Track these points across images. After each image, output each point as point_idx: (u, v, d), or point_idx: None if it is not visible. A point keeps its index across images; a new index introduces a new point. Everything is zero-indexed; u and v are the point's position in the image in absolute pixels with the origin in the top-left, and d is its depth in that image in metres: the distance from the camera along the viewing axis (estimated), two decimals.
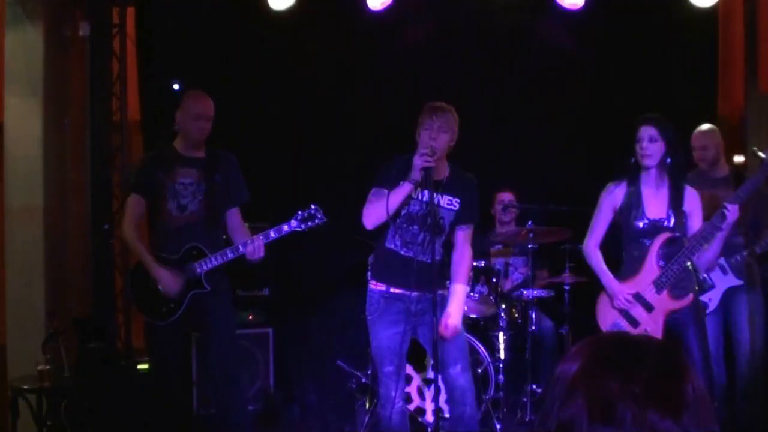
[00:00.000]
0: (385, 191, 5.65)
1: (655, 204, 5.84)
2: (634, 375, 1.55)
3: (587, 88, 9.08)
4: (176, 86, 8.86)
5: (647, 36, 8.97)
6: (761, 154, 6.63)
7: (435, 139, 5.60)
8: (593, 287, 7.68)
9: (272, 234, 6.15)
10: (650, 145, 5.75)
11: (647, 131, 5.76)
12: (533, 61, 9.11)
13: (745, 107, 9.13)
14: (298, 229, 6.15)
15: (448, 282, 5.96)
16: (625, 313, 5.83)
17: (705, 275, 6.83)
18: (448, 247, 5.95)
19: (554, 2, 8.62)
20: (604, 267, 5.99)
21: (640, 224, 5.80)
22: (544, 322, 8.09)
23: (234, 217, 6.47)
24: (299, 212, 6.15)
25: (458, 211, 5.79)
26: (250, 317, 8.34)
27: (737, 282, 6.90)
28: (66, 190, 8.80)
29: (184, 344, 7.29)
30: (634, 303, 5.80)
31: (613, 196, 5.97)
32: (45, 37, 8.39)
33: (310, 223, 6.16)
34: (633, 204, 5.85)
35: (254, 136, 8.84)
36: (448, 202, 5.77)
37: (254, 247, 6.11)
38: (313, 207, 6.16)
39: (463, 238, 5.89)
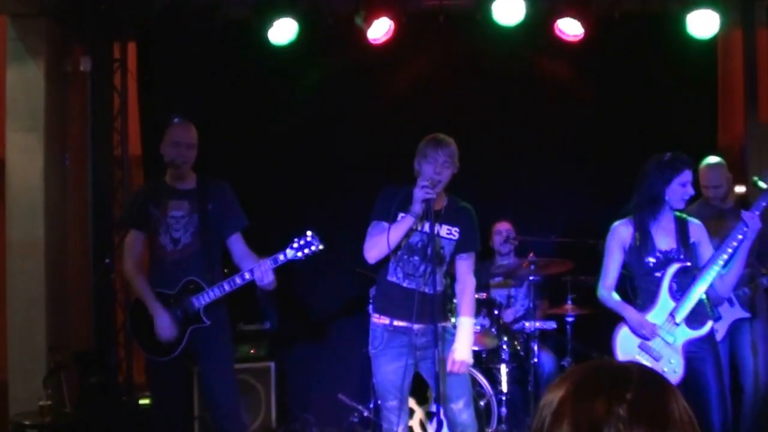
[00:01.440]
0: (385, 224, 5.63)
1: (663, 237, 5.82)
2: (619, 397, 1.56)
3: (587, 119, 9.10)
4: (176, 120, 8.87)
5: (647, 67, 8.99)
6: (762, 184, 6.63)
7: (440, 173, 5.58)
8: (596, 319, 7.69)
9: (269, 263, 5.98)
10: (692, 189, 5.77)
11: (691, 176, 5.77)
12: (533, 91, 9.13)
13: (745, 137, 9.15)
14: (294, 258, 6.00)
15: (451, 314, 5.95)
16: (646, 348, 5.78)
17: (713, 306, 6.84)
18: (451, 277, 5.93)
19: (555, 34, 8.64)
20: (624, 302, 5.92)
21: (653, 259, 5.77)
22: (546, 354, 8.05)
23: (237, 244, 6.33)
24: (295, 240, 6.01)
25: (458, 240, 5.77)
26: (252, 351, 8.30)
27: (744, 314, 6.89)
28: (67, 224, 8.81)
29: (185, 379, 7.25)
30: (655, 335, 5.76)
31: (620, 235, 5.93)
32: (46, 72, 8.43)
33: (306, 251, 6.01)
34: (642, 241, 5.81)
35: (255, 169, 8.85)
36: (447, 232, 5.74)
37: (262, 272, 5.96)
38: (309, 234, 6.02)
39: (464, 267, 5.87)
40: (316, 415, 8.53)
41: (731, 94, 9.37)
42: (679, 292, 5.72)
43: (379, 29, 8.50)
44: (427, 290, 5.67)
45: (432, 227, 5.51)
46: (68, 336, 8.66)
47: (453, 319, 6.04)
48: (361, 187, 8.67)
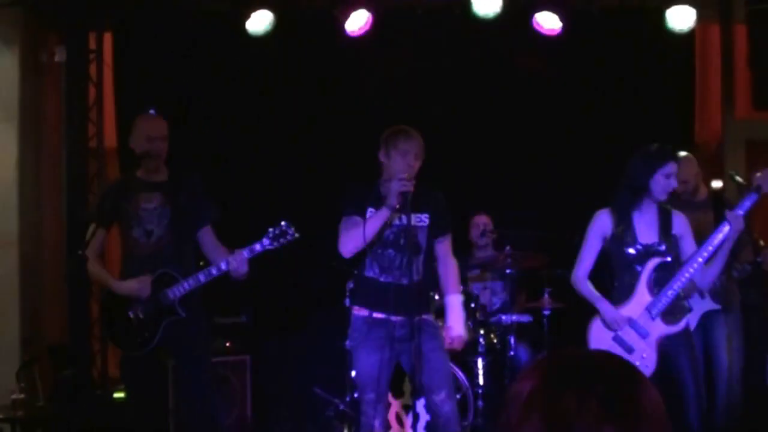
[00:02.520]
0: (357, 219, 5.62)
1: (645, 229, 5.80)
2: (589, 390, 1.53)
3: (565, 113, 9.11)
4: (152, 112, 8.82)
5: (625, 62, 9.02)
6: (739, 179, 6.67)
7: (413, 165, 5.58)
8: (572, 313, 7.70)
9: (244, 254, 5.98)
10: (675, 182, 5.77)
11: (676, 168, 5.76)
12: (511, 85, 9.15)
13: (722, 133, 9.18)
14: (270, 247, 5.99)
15: (435, 296, 5.94)
16: (620, 340, 5.78)
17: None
18: (429, 266, 5.90)
19: (533, 27, 8.64)
20: (597, 293, 5.91)
21: (632, 250, 5.75)
22: (522, 347, 8.06)
23: (207, 236, 6.29)
24: (270, 230, 6.00)
25: (429, 225, 5.75)
26: (228, 344, 8.27)
27: (714, 306, 6.90)
28: (42, 216, 8.74)
29: (160, 374, 7.19)
30: (629, 329, 5.76)
31: (603, 223, 5.91)
32: (21, 62, 8.37)
33: (282, 240, 6.00)
34: (624, 231, 5.79)
35: (231, 160, 8.83)
36: (418, 220, 5.71)
37: (237, 262, 5.94)
38: (283, 223, 6.01)
39: (443, 250, 5.87)
40: (291, 408, 8.50)
41: (708, 89, 9.41)
42: (657, 286, 5.73)
43: (357, 21, 8.48)
44: (404, 281, 5.61)
45: (409, 219, 5.49)
46: (42, 329, 8.59)
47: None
48: (337, 180, 8.65)
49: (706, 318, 6.97)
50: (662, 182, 5.70)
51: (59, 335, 8.77)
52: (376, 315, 5.70)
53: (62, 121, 9.00)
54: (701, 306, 6.91)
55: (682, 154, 7.19)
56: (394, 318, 5.65)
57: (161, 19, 8.83)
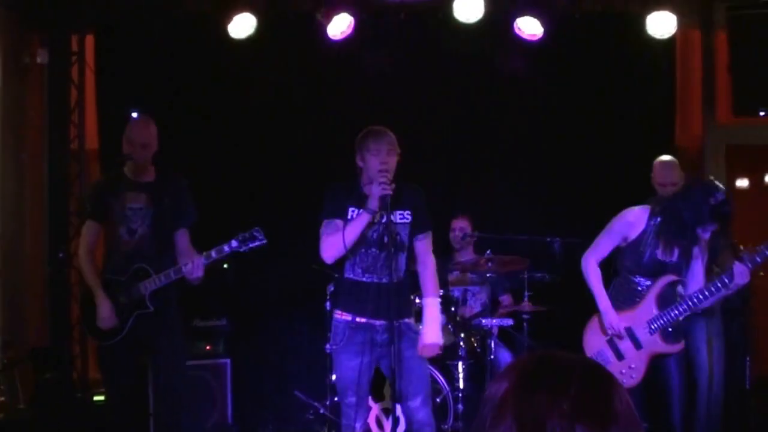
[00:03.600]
0: (338, 222, 5.61)
1: (668, 246, 5.77)
2: (561, 391, 1.55)
3: (546, 117, 9.13)
4: (134, 115, 8.82)
5: (606, 67, 9.04)
6: (719, 184, 6.68)
7: (386, 162, 5.56)
8: (552, 316, 7.72)
9: (213, 254, 6.21)
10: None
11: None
12: (492, 89, 9.16)
13: (702, 137, 9.22)
14: (239, 249, 6.18)
15: (415, 299, 5.93)
16: (613, 345, 5.78)
17: None
18: (410, 264, 5.89)
19: (513, 32, 8.67)
20: (604, 291, 5.88)
21: (651, 262, 5.75)
22: (503, 351, 8.06)
23: (182, 238, 6.51)
24: (240, 234, 6.18)
25: (411, 222, 5.72)
26: (208, 348, 8.26)
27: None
28: (23, 218, 8.72)
29: (138, 373, 7.21)
30: (624, 337, 5.75)
31: (630, 224, 5.86)
32: (2, 64, 8.34)
33: (251, 244, 6.19)
34: (649, 240, 5.76)
35: (212, 162, 8.81)
36: (400, 217, 5.70)
37: (193, 265, 6.16)
38: (254, 229, 6.20)
39: (422, 248, 5.82)
40: (272, 412, 8.50)
41: (689, 94, 9.45)
42: (664, 303, 5.72)
43: (340, 25, 8.49)
44: (384, 280, 5.61)
45: (389, 221, 5.50)
46: (23, 332, 8.57)
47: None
48: (318, 183, 8.64)
49: (687, 322, 7.00)
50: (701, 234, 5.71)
51: (40, 338, 8.74)
52: (359, 319, 5.66)
53: (44, 123, 8.98)
54: None
55: (666, 157, 7.22)
56: (376, 322, 5.64)
57: (143, 21, 8.81)
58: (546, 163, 9.04)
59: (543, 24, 8.54)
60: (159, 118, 8.51)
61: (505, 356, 8.03)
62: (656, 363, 5.77)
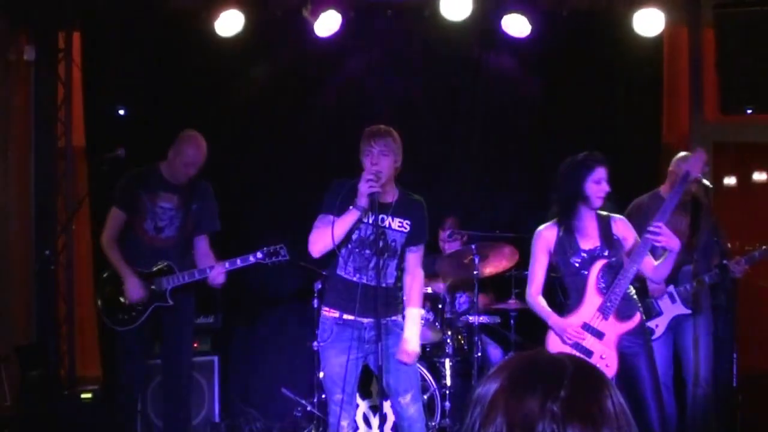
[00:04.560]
0: (332, 218, 5.60)
1: (586, 237, 5.86)
2: (552, 394, 1.54)
3: (533, 115, 9.15)
4: (121, 112, 8.80)
5: (594, 65, 9.05)
6: (706, 182, 6.69)
7: (376, 164, 5.56)
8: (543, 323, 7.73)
9: (238, 262, 6.57)
10: (607, 186, 5.79)
11: (605, 172, 5.79)
12: (480, 88, 9.15)
13: (690, 135, 9.23)
14: (263, 261, 6.56)
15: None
16: (578, 346, 5.81)
17: (652, 301, 6.88)
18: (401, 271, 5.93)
19: (501, 30, 8.67)
20: (548, 309, 5.97)
21: (577, 260, 5.83)
22: (490, 348, 8.07)
23: (202, 243, 6.87)
24: (265, 247, 6.57)
25: (409, 233, 5.75)
26: (196, 345, 8.24)
27: (685, 311, 6.94)
28: (9, 215, 8.69)
29: (145, 365, 7.24)
30: (583, 334, 5.79)
31: (545, 239, 5.98)
32: None
33: (274, 259, 6.58)
34: (567, 242, 5.86)
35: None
36: (399, 225, 5.73)
37: (217, 271, 6.54)
38: (280, 245, 6.60)
39: (413, 259, 5.86)
40: (259, 409, 8.48)
41: (677, 92, 9.45)
42: (606, 287, 5.77)
43: (327, 23, 8.49)
44: (375, 283, 5.61)
45: (377, 220, 5.52)
46: (9, 328, 8.54)
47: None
48: (306, 181, 8.70)
49: (677, 322, 7.02)
50: (594, 188, 5.76)
51: (26, 335, 8.72)
52: (346, 316, 5.68)
53: (31, 120, 8.95)
54: (672, 310, 6.97)
55: (683, 154, 7.26)
56: (363, 320, 5.66)
57: (130, 19, 8.79)
58: (533, 161, 9.04)
59: (530, 22, 8.56)
60: (145, 116, 8.56)
61: (495, 352, 8.04)
62: (625, 361, 5.79)
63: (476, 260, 7.52)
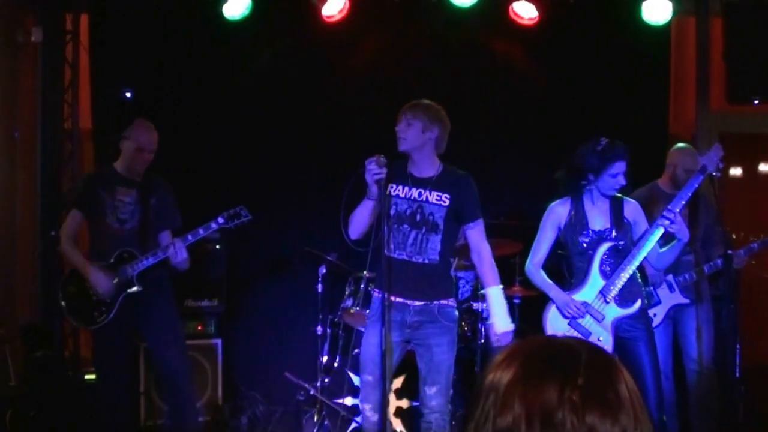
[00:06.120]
0: (366, 201, 5.65)
1: (597, 217, 5.89)
2: (570, 382, 1.53)
3: (539, 103, 9.12)
4: (128, 95, 8.80)
5: (601, 53, 9.02)
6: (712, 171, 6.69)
7: (403, 132, 5.65)
8: (543, 301, 7.72)
9: (201, 231, 6.48)
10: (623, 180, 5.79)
11: (624, 167, 5.78)
12: (486, 74, 9.14)
13: (696, 126, 9.21)
14: (226, 226, 6.43)
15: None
16: (576, 324, 5.84)
17: (651, 289, 6.88)
18: (447, 247, 5.83)
19: (509, 17, 8.67)
20: (549, 281, 6.02)
21: (585, 239, 5.83)
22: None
23: (165, 236, 6.77)
24: (225, 211, 6.47)
25: (449, 207, 5.68)
26: (199, 328, 8.28)
27: (684, 300, 6.94)
28: (15, 197, 8.71)
29: (132, 355, 7.28)
30: (583, 314, 5.81)
31: (557, 215, 6.01)
32: None
33: (237, 221, 6.46)
34: (577, 220, 5.89)
35: (208, 144, 8.80)
36: (437, 198, 5.69)
37: (175, 248, 6.40)
38: (239, 207, 6.49)
39: (475, 236, 5.82)
40: (262, 392, 8.48)
41: (683, 82, 9.43)
42: (611, 270, 5.79)
43: (334, 6, 8.48)
44: (418, 260, 5.66)
45: (384, 207, 5.52)
46: (14, 309, 8.57)
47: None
48: (313, 165, 8.70)
49: (677, 311, 7.02)
50: (610, 182, 5.77)
51: (31, 315, 8.75)
52: (393, 298, 5.57)
53: (37, 102, 8.95)
54: (670, 299, 6.97)
55: (680, 145, 7.28)
56: (408, 302, 5.64)
57: (138, 1, 8.78)
58: (539, 148, 9.02)
59: (538, 8, 8.56)
60: (152, 99, 8.55)
61: None
62: (625, 347, 5.81)
63: None
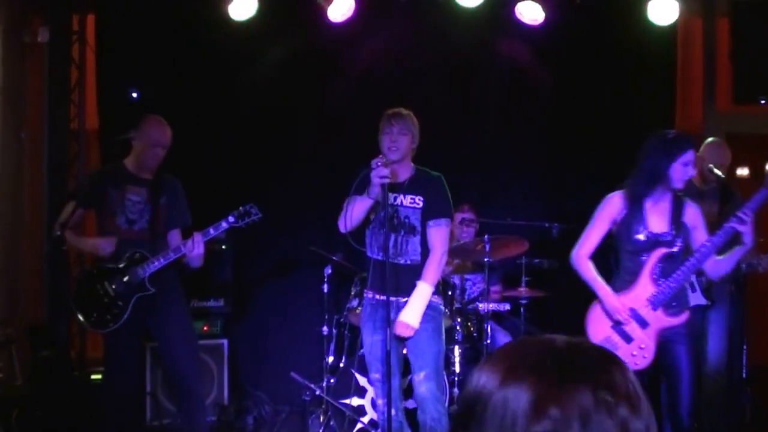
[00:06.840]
0: (356, 197, 5.78)
1: (657, 217, 5.68)
2: (600, 382, 1.53)
3: (546, 103, 9.11)
4: (134, 95, 8.80)
5: (607, 53, 9.01)
6: (717, 172, 6.68)
7: (395, 141, 5.75)
8: (549, 302, 7.73)
9: (211, 231, 6.36)
10: (693, 170, 5.68)
11: (694, 156, 5.64)
12: (493, 75, 9.13)
13: (703, 125, 9.21)
14: (236, 225, 6.35)
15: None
16: (619, 329, 5.70)
17: None
18: (426, 248, 5.95)
19: (515, 18, 8.66)
20: (600, 278, 5.78)
21: (642, 237, 5.63)
22: (499, 335, 8.07)
23: (175, 235, 6.70)
24: (235, 210, 6.37)
25: (423, 208, 5.86)
26: (205, 328, 8.29)
27: (703, 302, 6.87)
28: (22, 197, 8.72)
29: (140, 357, 7.30)
30: (629, 319, 5.70)
31: (614, 206, 5.77)
32: (3, 42, 8.34)
33: (247, 219, 6.37)
34: (634, 217, 5.68)
35: (214, 145, 8.81)
36: (411, 201, 5.87)
37: (193, 242, 6.29)
38: (249, 204, 6.40)
39: (431, 235, 5.89)
40: (268, 392, 8.51)
41: (690, 82, 9.43)
42: (662, 277, 5.62)
43: (340, 8, 8.48)
44: (400, 261, 5.86)
45: (385, 200, 5.62)
46: (21, 309, 8.59)
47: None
48: (319, 166, 8.70)
49: (693, 312, 6.99)
50: (681, 170, 5.55)
51: (38, 315, 8.76)
52: (378, 297, 5.88)
53: (44, 102, 8.96)
54: (690, 300, 6.93)
55: (712, 139, 7.26)
56: (394, 299, 5.77)
57: (144, 1, 8.79)
58: (546, 149, 9.03)
59: (544, 9, 8.54)
60: (159, 99, 8.55)
61: (504, 340, 8.03)
62: (665, 348, 5.69)
63: (487, 248, 7.50)
